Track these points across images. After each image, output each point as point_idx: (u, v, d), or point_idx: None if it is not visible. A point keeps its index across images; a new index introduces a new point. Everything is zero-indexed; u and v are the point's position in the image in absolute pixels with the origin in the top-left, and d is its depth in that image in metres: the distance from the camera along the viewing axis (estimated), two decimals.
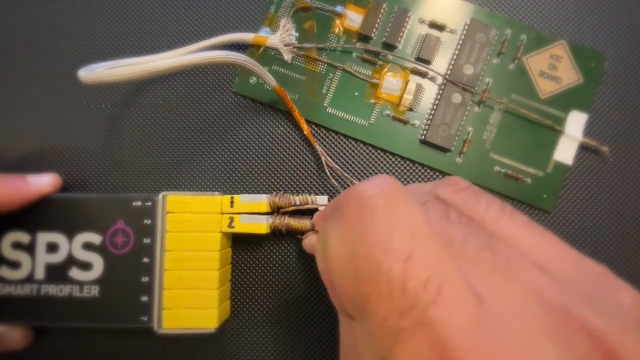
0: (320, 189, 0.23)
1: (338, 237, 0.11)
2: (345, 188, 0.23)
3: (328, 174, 0.22)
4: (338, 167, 0.23)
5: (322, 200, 0.21)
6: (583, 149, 0.23)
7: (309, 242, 0.20)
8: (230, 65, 0.23)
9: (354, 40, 0.24)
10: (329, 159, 0.22)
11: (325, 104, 0.23)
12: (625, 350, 0.09)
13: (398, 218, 0.11)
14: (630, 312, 0.11)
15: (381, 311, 0.10)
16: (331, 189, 0.23)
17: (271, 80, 0.22)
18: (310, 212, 0.22)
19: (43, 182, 0.21)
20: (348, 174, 0.23)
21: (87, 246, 0.21)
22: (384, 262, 0.10)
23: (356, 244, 0.11)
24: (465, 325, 0.09)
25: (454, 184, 0.14)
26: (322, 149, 0.23)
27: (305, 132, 0.23)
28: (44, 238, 0.21)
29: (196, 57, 0.19)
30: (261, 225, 0.21)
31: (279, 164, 0.23)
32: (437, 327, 0.09)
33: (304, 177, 0.23)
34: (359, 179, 0.23)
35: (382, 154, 0.23)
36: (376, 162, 0.23)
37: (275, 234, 0.22)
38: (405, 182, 0.23)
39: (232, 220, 0.20)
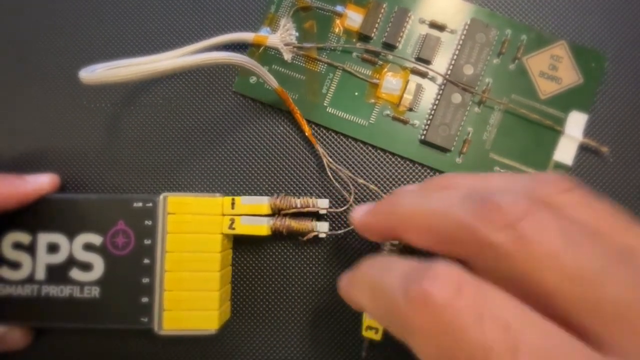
0: (321, 190, 0.23)
1: (426, 350, 0.11)
2: (346, 189, 0.23)
3: (330, 175, 0.22)
4: (340, 168, 0.23)
5: (323, 203, 0.21)
6: (583, 149, 0.23)
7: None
8: (232, 66, 0.23)
9: (354, 40, 0.23)
10: (330, 160, 0.22)
11: (325, 104, 0.23)
12: None
13: (486, 312, 0.10)
14: None
15: None
16: (332, 190, 0.23)
17: (273, 82, 0.22)
18: (311, 215, 0.22)
19: (41, 182, 0.21)
20: (349, 174, 0.23)
21: (88, 247, 0.21)
22: None
23: (451, 351, 0.10)
24: None
25: (556, 183, 0.12)
26: (324, 150, 0.23)
27: (306, 134, 0.23)
28: (44, 238, 0.21)
29: (198, 58, 0.19)
30: (262, 227, 0.21)
31: (279, 164, 0.23)
32: None
33: (304, 178, 0.23)
34: (361, 179, 0.23)
35: (381, 153, 0.23)
36: (376, 162, 0.23)
37: (276, 235, 0.22)
38: (404, 183, 0.23)
39: (232, 221, 0.21)
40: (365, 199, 0.23)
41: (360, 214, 0.17)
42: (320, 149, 0.22)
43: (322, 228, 0.21)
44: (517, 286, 0.11)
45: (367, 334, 0.19)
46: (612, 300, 0.10)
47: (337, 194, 0.23)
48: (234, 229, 0.20)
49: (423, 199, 0.13)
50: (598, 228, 0.11)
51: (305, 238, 0.21)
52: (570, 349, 0.10)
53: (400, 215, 0.14)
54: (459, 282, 0.10)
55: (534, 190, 0.12)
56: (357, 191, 0.23)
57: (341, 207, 0.23)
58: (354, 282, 0.15)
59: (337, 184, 0.23)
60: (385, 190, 0.23)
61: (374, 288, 0.13)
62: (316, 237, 0.22)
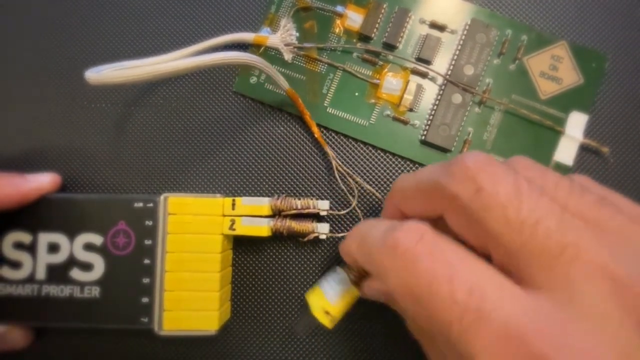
0: (321, 190, 0.23)
1: (394, 278, 0.14)
2: (351, 192, 0.23)
3: (338, 178, 0.22)
4: (349, 172, 0.23)
5: (323, 205, 0.21)
6: (583, 149, 0.23)
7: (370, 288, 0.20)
8: (242, 66, 0.23)
9: (355, 40, 0.23)
10: (339, 162, 0.23)
11: (325, 104, 0.23)
12: None
13: (435, 254, 0.13)
14: None
15: (445, 320, 0.12)
16: (333, 192, 0.23)
17: (284, 83, 0.22)
18: (311, 216, 0.22)
19: (42, 181, 0.21)
20: (357, 178, 0.23)
21: (88, 247, 0.21)
22: (433, 287, 0.13)
23: (411, 280, 0.13)
24: (515, 309, 0.12)
25: (468, 175, 0.14)
26: (333, 152, 0.23)
27: (316, 136, 0.23)
28: (45, 238, 0.21)
29: (208, 58, 0.19)
30: (262, 228, 0.21)
31: (280, 165, 0.23)
32: (491, 317, 0.12)
33: (305, 179, 0.23)
34: (368, 183, 0.23)
35: (382, 154, 0.23)
36: (376, 162, 0.23)
37: (277, 236, 0.22)
38: None
39: (233, 222, 0.21)
40: (368, 203, 0.23)
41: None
42: (330, 152, 0.23)
43: (323, 229, 0.21)
44: (473, 234, 0.14)
45: (320, 316, 0.19)
46: (539, 247, 0.12)
47: (338, 195, 0.23)
48: (234, 229, 0.20)
49: (414, 174, 0.17)
50: (543, 186, 0.14)
51: (305, 239, 0.21)
52: (498, 284, 0.12)
53: (398, 190, 0.17)
54: (421, 233, 0.14)
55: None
56: (360, 195, 0.23)
57: (344, 209, 0.23)
58: (349, 236, 0.18)
59: (343, 186, 0.22)
60: (387, 192, 0.23)
61: (362, 238, 0.17)
62: (316, 238, 0.22)
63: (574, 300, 0.12)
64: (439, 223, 0.15)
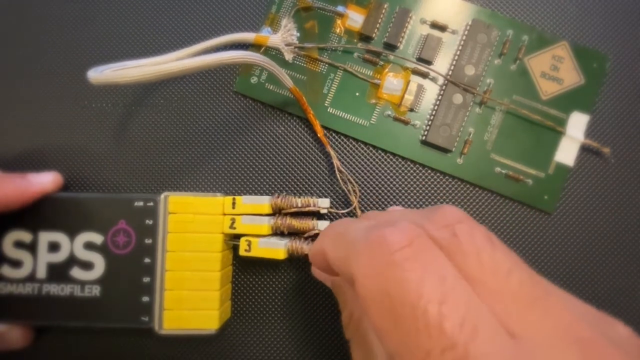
0: (322, 190, 0.23)
1: (369, 280, 0.12)
2: (352, 192, 0.23)
3: (338, 177, 0.22)
4: (346, 172, 0.22)
5: (323, 203, 0.21)
6: (584, 150, 0.23)
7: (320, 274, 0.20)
8: (245, 65, 0.23)
9: (355, 40, 0.23)
10: (339, 162, 0.22)
11: (326, 104, 0.23)
12: None
13: (428, 265, 0.12)
14: (630, 341, 0.12)
15: (422, 348, 0.11)
16: (333, 190, 0.23)
17: (288, 81, 0.21)
18: (311, 214, 0.22)
19: (44, 181, 0.21)
20: (355, 178, 0.23)
21: (89, 246, 0.21)
22: (419, 306, 0.11)
23: (391, 288, 0.12)
24: None
25: (444, 217, 0.14)
26: (334, 152, 0.23)
27: (319, 135, 0.23)
28: (45, 237, 0.21)
29: (212, 58, 0.19)
30: (262, 227, 0.21)
31: (280, 164, 0.23)
32: None
33: (305, 178, 0.23)
34: (359, 179, 0.23)
35: (382, 154, 0.23)
36: (377, 162, 0.23)
37: (277, 234, 0.22)
38: (405, 183, 0.23)
39: (233, 221, 0.21)
40: (368, 203, 0.23)
41: None
42: (332, 151, 0.22)
43: (323, 227, 0.21)
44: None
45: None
46: (514, 294, 0.12)
47: (338, 193, 0.23)
48: (234, 228, 0.20)
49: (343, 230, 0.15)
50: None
51: (306, 236, 0.21)
52: (491, 324, 0.11)
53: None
54: (415, 235, 0.12)
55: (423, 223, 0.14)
56: (361, 194, 0.23)
57: (344, 208, 0.23)
58: (322, 233, 0.17)
59: (343, 186, 0.22)
60: (387, 192, 0.23)
61: (339, 233, 0.15)
62: (317, 235, 0.22)
63: None
64: None
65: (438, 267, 0.12)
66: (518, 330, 0.11)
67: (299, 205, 0.21)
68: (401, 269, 0.12)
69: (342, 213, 0.23)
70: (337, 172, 0.22)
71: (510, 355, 0.11)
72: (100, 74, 0.19)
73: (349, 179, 0.23)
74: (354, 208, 0.22)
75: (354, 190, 0.23)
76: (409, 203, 0.23)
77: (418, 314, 0.11)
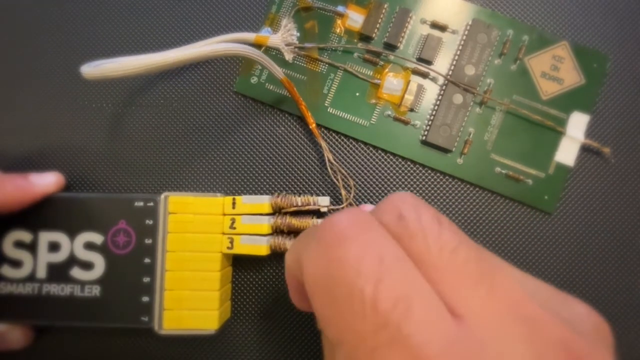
0: (322, 189, 0.23)
1: (315, 265, 0.12)
2: (345, 186, 0.23)
3: (329, 170, 0.22)
4: (337, 165, 0.22)
5: (323, 201, 0.21)
6: (585, 150, 0.23)
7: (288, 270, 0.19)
8: (238, 57, 0.23)
9: (355, 40, 0.23)
10: (331, 155, 0.22)
11: (326, 104, 0.23)
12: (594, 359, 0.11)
13: (367, 244, 0.12)
14: (587, 320, 0.12)
15: (357, 330, 0.11)
16: (333, 188, 0.23)
17: (278, 73, 0.21)
18: (312, 213, 0.22)
19: (47, 182, 0.21)
20: (347, 171, 0.23)
21: (89, 246, 0.21)
22: (356, 285, 0.11)
23: (331, 269, 0.12)
24: (438, 340, 0.10)
25: (392, 202, 0.14)
26: (326, 144, 0.23)
27: (310, 126, 0.22)
28: (45, 237, 0.21)
29: (204, 50, 0.19)
30: (263, 226, 0.21)
31: (280, 164, 0.23)
32: (410, 341, 0.10)
33: (305, 177, 0.23)
34: (359, 179, 0.23)
35: (382, 154, 0.23)
36: (377, 162, 0.23)
37: (277, 233, 0.22)
38: (405, 183, 0.23)
39: (233, 221, 0.21)
40: (363, 195, 0.23)
41: None
42: (323, 143, 0.22)
43: None
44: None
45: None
46: (459, 271, 0.12)
47: (338, 192, 0.23)
48: (234, 228, 0.20)
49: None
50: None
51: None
52: (428, 302, 0.11)
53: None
54: (358, 219, 0.12)
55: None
56: (356, 188, 0.23)
57: (341, 204, 0.23)
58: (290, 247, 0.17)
59: (334, 179, 0.22)
60: (387, 192, 0.23)
61: (304, 235, 0.15)
62: None
63: (491, 341, 0.11)
64: None
65: (378, 247, 0.12)
66: (461, 308, 0.11)
67: (299, 204, 0.21)
68: (342, 248, 0.12)
69: (340, 209, 0.23)
70: (327, 164, 0.22)
71: (448, 334, 0.10)
72: (93, 68, 0.19)
73: (341, 172, 0.23)
74: (349, 203, 0.22)
75: (348, 185, 0.23)
76: None
77: (355, 293, 0.11)
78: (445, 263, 0.12)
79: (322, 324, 0.12)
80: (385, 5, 0.23)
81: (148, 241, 0.21)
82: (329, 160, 0.22)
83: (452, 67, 0.23)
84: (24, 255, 0.21)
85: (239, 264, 0.23)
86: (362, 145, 0.23)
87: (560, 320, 0.11)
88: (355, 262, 0.11)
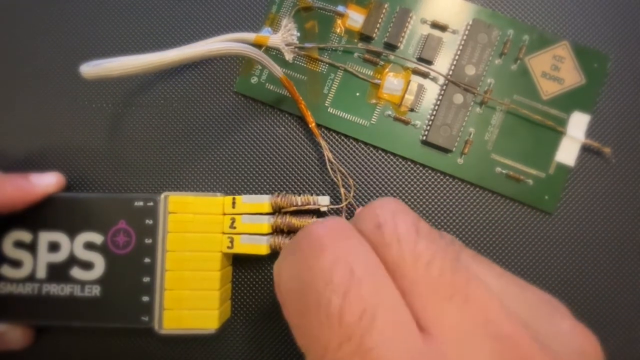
0: (322, 189, 0.23)
1: (289, 270, 0.12)
2: (345, 185, 0.23)
3: (329, 169, 0.22)
4: (337, 164, 0.22)
5: (323, 200, 0.21)
6: (585, 150, 0.23)
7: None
8: (238, 57, 0.23)
9: (356, 40, 0.23)
10: (330, 154, 0.22)
11: (326, 104, 0.23)
12: None
13: (340, 254, 0.12)
14: (569, 338, 0.12)
15: (322, 340, 0.11)
16: (333, 187, 0.23)
17: (277, 71, 0.21)
18: (312, 212, 0.22)
19: (47, 182, 0.21)
20: (347, 171, 0.23)
21: (89, 246, 0.21)
22: (324, 295, 0.11)
23: (304, 277, 0.12)
24: (401, 355, 0.10)
25: (372, 210, 0.13)
26: (326, 143, 0.23)
27: (310, 126, 0.22)
28: (45, 237, 0.21)
29: (203, 49, 0.19)
30: (263, 226, 0.21)
31: (280, 164, 0.23)
32: (371, 355, 0.10)
33: (305, 177, 0.23)
34: (359, 179, 0.23)
35: (382, 154, 0.23)
36: (377, 162, 0.23)
37: (277, 233, 0.22)
38: (405, 183, 0.23)
39: (233, 220, 0.21)
40: (363, 195, 0.23)
41: None
42: (323, 142, 0.22)
43: None
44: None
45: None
46: (432, 284, 0.11)
47: (338, 192, 0.23)
48: (234, 228, 0.20)
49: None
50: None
51: None
52: (394, 314, 0.11)
53: None
54: (336, 227, 0.13)
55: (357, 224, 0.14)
56: (356, 188, 0.23)
57: (340, 204, 0.23)
58: None
59: (334, 178, 0.22)
60: (387, 192, 0.23)
61: (286, 245, 0.15)
62: None
63: (457, 358, 0.10)
64: None
65: (352, 256, 0.12)
66: (430, 323, 0.11)
67: (299, 203, 0.21)
68: (315, 257, 0.12)
69: (340, 209, 0.23)
70: (327, 163, 0.22)
71: (413, 349, 0.10)
72: (93, 67, 0.19)
73: (340, 171, 0.22)
74: (348, 203, 0.22)
75: (347, 184, 0.23)
76: (409, 203, 0.23)
77: (322, 303, 0.11)
78: (419, 275, 0.11)
79: (293, 331, 0.12)
80: (386, 5, 0.23)
81: (148, 241, 0.21)
82: (328, 159, 0.22)
83: (453, 67, 0.23)
84: (23, 255, 0.21)
85: (239, 263, 0.23)
86: (362, 145, 0.23)
87: (534, 339, 0.11)
88: (327, 271, 0.11)
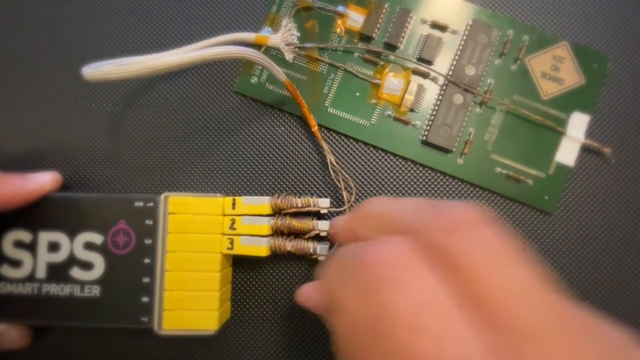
0: (322, 190, 0.23)
1: (353, 306, 0.11)
2: (347, 188, 0.23)
3: (331, 171, 0.22)
4: (339, 167, 0.22)
5: (323, 202, 0.21)
6: (585, 150, 0.23)
7: (311, 295, 0.18)
8: (240, 60, 0.23)
9: (356, 40, 0.23)
10: (333, 158, 0.22)
11: (326, 104, 0.23)
12: None
13: (415, 291, 0.11)
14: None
15: None
16: (333, 190, 0.23)
17: (281, 75, 0.21)
18: (312, 214, 0.22)
19: (44, 180, 0.21)
20: (350, 175, 0.23)
21: (89, 246, 0.21)
22: (414, 342, 0.10)
23: (375, 318, 0.11)
24: None
25: (451, 218, 0.12)
26: (328, 146, 0.23)
27: (313, 129, 0.22)
28: (45, 237, 0.21)
29: (206, 53, 0.19)
30: (263, 227, 0.21)
31: (280, 165, 0.23)
32: None
33: (305, 178, 0.23)
34: (359, 179, 0.23)
35: (382, 154, 0.23)
36: (377, 162, 0.23)
37: (277, 235, 0.22)
38: (405, 183, 0.23)
39: (233, 222, 0.21)
40: (364, 196, 0.23)
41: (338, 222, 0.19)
42: (325, 145, 0.22)
43: (323, 227, 0.21)
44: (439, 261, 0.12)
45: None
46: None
47: (338, 194, 0.23)
48: (234, 229, 0.20)
49: (396, 203, 0.15)
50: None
51: (306, 236, 0.21)
52: (464, 346, 0.10)
53: (375, 214, 0.15)
54: (397, 255, 0.11)
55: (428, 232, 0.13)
56: (361, 194, 0.23)
57: (341, 206, 0.23)
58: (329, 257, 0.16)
59: (336, 181, 0.22)
60: (387, 192, 0.23)
61: (337, 265, 0.14)
62: (317, 235, 0.22)
63: None
64: None
65: (416, 288, 0.11)
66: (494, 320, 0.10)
67: (299, 205, 0.21)
68: (386, 292, 0.11)
69: (341, 211, 0.23)
70: (330, 166, 0.22)
71: None
72: (95, 70, 0.19)
73: (342, 173, 0.22)
74: (350, 205, 0.22)
75: (349, 186, 0.23)
76: None
77: (412, 352, 0.10)
78: (501, 311, 0.10)
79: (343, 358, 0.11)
80: (386, 5, 0.23)
81: (148, 241, 0.21)
82: (331, 163, 0.22)
83: (453, 67, 0.23)
84: (23, 255, 0.21)
85: (239, 264, 0.23)
86: (362, 146, 0.23)
87: None
88: (407, 313, 0.10)
